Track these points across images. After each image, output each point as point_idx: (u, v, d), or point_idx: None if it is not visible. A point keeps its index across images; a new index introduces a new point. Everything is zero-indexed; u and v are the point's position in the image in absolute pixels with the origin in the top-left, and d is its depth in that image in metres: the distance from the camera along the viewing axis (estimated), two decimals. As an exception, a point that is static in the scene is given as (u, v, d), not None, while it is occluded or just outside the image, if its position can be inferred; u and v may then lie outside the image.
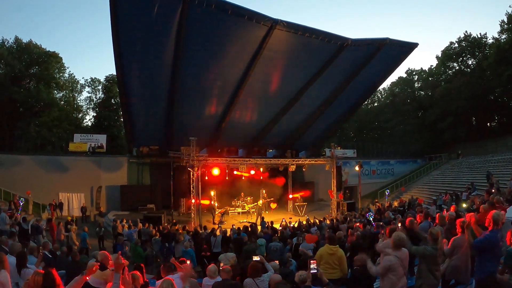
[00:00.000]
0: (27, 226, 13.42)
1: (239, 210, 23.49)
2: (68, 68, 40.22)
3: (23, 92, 33.74)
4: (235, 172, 23.55)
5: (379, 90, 45.95)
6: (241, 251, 9.86)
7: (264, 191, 24.33)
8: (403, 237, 4.66)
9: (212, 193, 22.77)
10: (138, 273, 4.85)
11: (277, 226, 15.45)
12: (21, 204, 16.61)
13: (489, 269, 4.40)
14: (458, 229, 5.29)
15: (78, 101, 42.74)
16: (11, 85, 32.12)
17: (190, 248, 10.25)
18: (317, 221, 16.30)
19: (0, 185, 20.72)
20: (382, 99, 48.54)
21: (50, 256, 8.12)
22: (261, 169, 25.33)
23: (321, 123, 26.35)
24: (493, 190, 14.10)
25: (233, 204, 23.80)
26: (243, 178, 24.70)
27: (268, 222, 15.82)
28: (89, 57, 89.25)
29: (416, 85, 44.98)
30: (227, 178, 22.93)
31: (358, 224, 12.77)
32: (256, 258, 5.97)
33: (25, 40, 35.77)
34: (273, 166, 24.69)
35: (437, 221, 7.17)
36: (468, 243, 5.02)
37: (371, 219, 14.21)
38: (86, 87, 42.27)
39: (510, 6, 31.73)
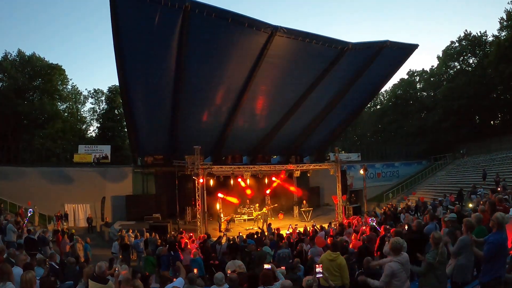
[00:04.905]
0: (33, 238, 13.46)
1: (245, 217, 23.39)
2: (71, 79, 40.60)
3: (27, 104, 34.07)
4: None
5: (381, 92, 45.96)
6: (249, 258, 9.81)
7: (268, 197, 24.28)
8: (401, 241, 4.59)
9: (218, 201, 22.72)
10: (140, 281, 4.97)
11: (283, 232, 15.38)
12: (29, 214, 16.63)
13: (495, 273, 4.28)
14: (464, 229, 5.24)
15: (82, 113, 43.16)
16: (15, 97, 32.45)
17: (198, 257, 10.23)
18: (325, 226, 16.20)
19: (6, 197, 20.88)
20: (385, 102, 48.47)
21: (57, 267, 8.16)
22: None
23: (324, 127, 26.33)
24: (498, 189, 13.98)
25: (239, 211, 23.71)
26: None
27: (274, 229, 15.74)
28: (92, 69, 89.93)
29: (418, 86, 45.01)
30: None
31: (364, 227, 12.67)
32: (267, 266, 5.95)
33: (28, 53, 36.27)
34: (278, 172, 24.64)
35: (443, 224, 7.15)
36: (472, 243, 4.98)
37: (374, 224, 13.82)
38: (90, 98, 42.75)
39: (508, 3, 31.82)
